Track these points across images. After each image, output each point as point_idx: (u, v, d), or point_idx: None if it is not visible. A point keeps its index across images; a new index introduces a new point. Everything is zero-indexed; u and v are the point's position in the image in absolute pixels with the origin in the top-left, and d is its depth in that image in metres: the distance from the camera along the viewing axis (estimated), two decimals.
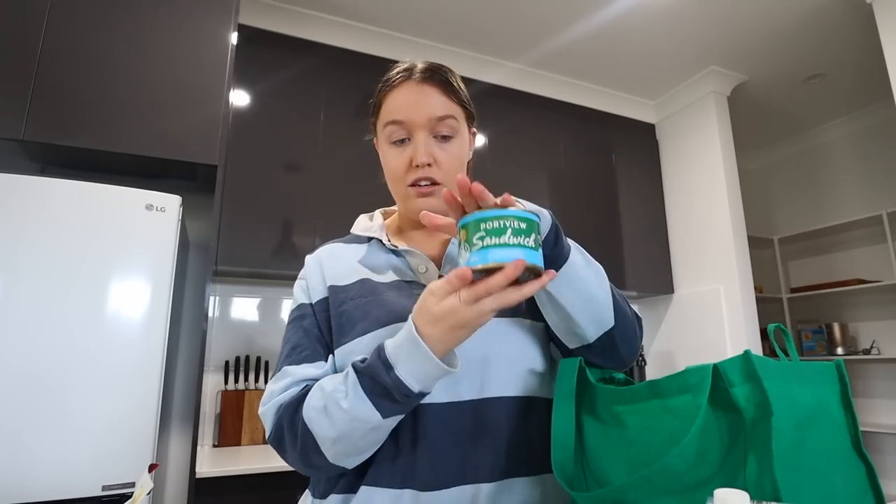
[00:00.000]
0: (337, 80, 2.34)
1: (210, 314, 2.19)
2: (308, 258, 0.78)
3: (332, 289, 0.72)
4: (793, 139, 3.74)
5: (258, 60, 2.20)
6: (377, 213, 0.83)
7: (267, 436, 0.66)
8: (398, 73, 0.73)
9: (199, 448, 1.69)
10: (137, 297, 1.50)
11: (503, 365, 0.66)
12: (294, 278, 0.78)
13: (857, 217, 3.14)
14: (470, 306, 0.50)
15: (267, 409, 0.66)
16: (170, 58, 1.78)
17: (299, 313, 0.74)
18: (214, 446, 2.04)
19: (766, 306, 3.42)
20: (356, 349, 0.65)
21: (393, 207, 0.84)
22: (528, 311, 0.70)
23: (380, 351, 0.57)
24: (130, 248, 1.52)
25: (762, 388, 0.47)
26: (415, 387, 0.55)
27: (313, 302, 0.73)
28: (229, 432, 2.06)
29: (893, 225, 3.01)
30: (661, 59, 2.82)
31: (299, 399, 0.64)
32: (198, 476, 1.57)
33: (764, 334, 2.98)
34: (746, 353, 0.49)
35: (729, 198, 2.79)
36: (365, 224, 0.80)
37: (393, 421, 0.58)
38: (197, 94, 1.80)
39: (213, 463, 1.70)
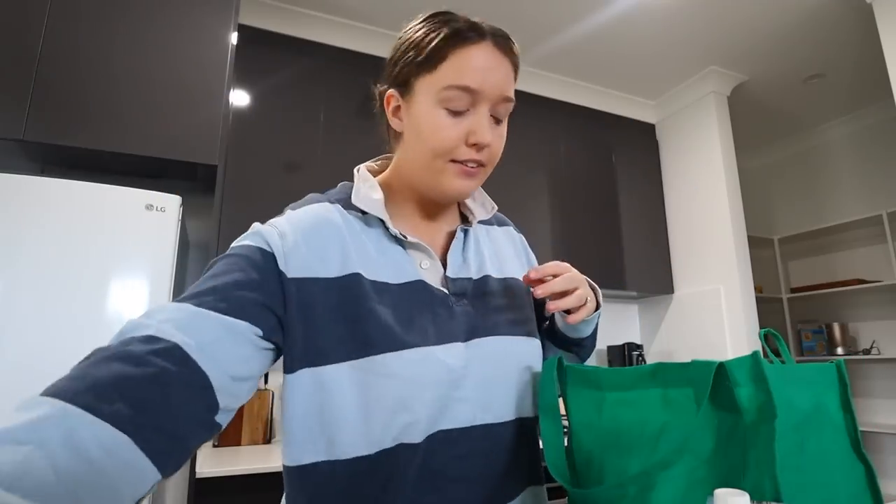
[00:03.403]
0: (337, 80, 2.33)
1: None
2: (286, 220, 0.59)
3: (307, 281, 0.55)
4: (793, 139, 3.74)
5: (258, 60, 2.20)
6: (365, 174, 0.67)
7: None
8: (468, 26, 0.58)
9: (199, 448, 1.69)
10: (137, 297, 1.50)
11: (511, 387, 0.62)
12: None
13: (857, 217, 3.14)
14: None
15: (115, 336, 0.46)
16: (170, 58, 1.78)
17: (247, 253, 0.54)
18: (214, 446, 2.04)
19: (766, 306, 3.42)
20: (336, 377, 0.54)
21: (372, 164, 0.70)
22: (535, 329, 0.70)
23: None
24: (130, 248, 1.52)
25: (768, 390, 0.47)
26: None
27: (288, 277, 0.55)
28: (229, 432, 2.06)
29: (893, 225, 3.00)
30: (661, 59, 2.82)
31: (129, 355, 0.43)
32: (198, 476, 1.57)
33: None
34: (755, 354, 0.49)
35: (729, 198, 2.79)
36: (365, 192, 0.63)
37: None
38: (197, 94, 1.79)
39: (213, 463, 1.70)
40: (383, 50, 2.53)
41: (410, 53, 0.60)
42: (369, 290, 0.57)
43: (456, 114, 0.58)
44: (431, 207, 0.67)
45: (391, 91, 0.63)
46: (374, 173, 0.69)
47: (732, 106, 3.00)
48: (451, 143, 0.58)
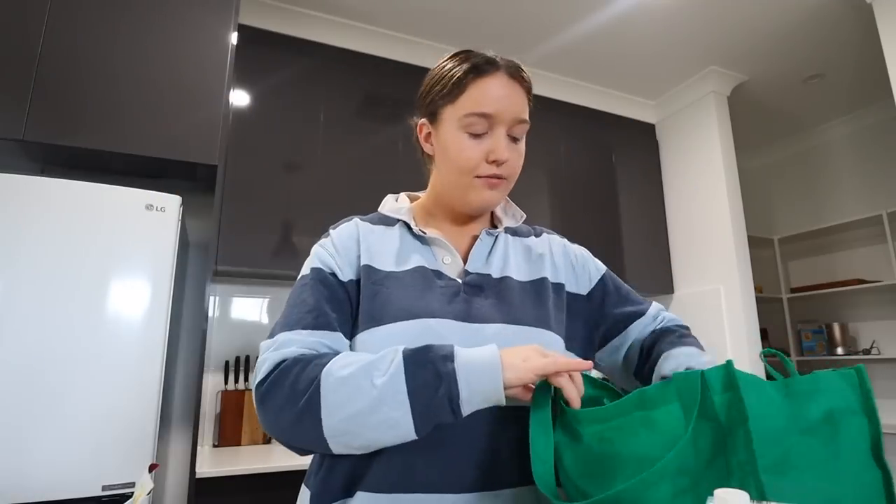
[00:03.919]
0: (337, 80, 2.33)
1: (210, 314, 2.19)
2: (339, 231, 0.73)
3: (367, 269, 0.68)
4: (793, 139, 3.74)
5: (258, 60, 2.20)
6: (403, 196, 0.81)
7: (256, 382, 0.60)
8: (484, 60, 0.68)
9: (199, 448, 1.69)
10: (137, 297, 1.50)
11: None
12: (294, 278, 0.77)
13: (857, 217, 3.14)
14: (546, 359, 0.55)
15: (267, 357, 0.60)
16: (170, 58, 1.78)
17: (318, 276, 0.68)
18: (214, 446, 2.04)
19: (766, 306, 3.42)
20: (369, 340, 0.64)
21: (417, 193, 0.83)
22: (554, 327, 0.72)
23: (443, 347, 0.56)
24: (130, 248, 1.52)
25: (739, 396, 0.48)
26: (464, 391, 0.53)
27: (344, 281, 0.68)
28: (229, 432, 2.06)
29: (893, 225, 3.00)
30: (661, 59, 2.82)
31: (314, 357, 0.59)
32: (198, 476, 1.57)
33: (764, 334, 2.98)
34: (728, 364, 0.51)
35: (729, 198, 2.79)
36: (392, 205, 0.78)
37: (408, 431, 0.54)
38: (197, 94, 1.79)
39: (213, 463, 1.70)
40: (383, 50, 2.55)
41: (437, 87, 0.71)
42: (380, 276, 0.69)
43: (476, 136, 0.68)
44: (463, 219, 0.76)
45: (422, 121, 0.74)
46: (411, 199, 0.81)
47: (732, 106, 3.00)
48: (473, 161, 0.68)
